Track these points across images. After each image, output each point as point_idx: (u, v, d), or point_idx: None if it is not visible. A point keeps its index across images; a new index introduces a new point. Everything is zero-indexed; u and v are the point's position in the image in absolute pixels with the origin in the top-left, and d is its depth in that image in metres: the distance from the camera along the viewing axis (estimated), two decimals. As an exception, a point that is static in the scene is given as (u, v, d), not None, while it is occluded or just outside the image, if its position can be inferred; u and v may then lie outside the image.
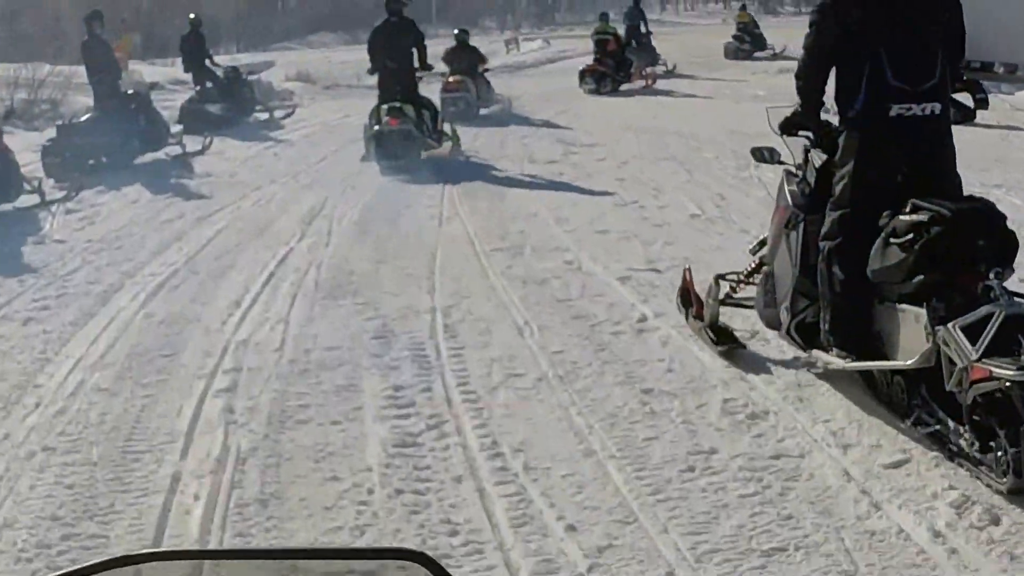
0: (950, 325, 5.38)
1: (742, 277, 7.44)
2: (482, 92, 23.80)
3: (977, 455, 5.38)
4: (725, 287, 7.50)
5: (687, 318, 7.79)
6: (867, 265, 6.00)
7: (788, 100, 7.01)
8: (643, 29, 32.49)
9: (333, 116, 25.14)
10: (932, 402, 5.71)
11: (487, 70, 25.04)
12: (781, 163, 7.11)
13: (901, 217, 5.86)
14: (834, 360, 6.31)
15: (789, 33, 31.20)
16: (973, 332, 5.26)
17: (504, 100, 24.46)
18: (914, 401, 5.85)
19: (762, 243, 7.34)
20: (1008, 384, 5.05)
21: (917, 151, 6.23)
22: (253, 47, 74.67)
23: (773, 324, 6.97)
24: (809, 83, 6.40)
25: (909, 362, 5.71)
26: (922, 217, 5.75)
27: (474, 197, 14.58)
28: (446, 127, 17.83)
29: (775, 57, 36.04)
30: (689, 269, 8.04)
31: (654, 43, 32.65)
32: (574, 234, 11.85)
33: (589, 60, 29.52)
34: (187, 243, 12.10)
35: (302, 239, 12.02)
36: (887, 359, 6.01)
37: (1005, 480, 5.18)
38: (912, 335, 5.73)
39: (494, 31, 76.90)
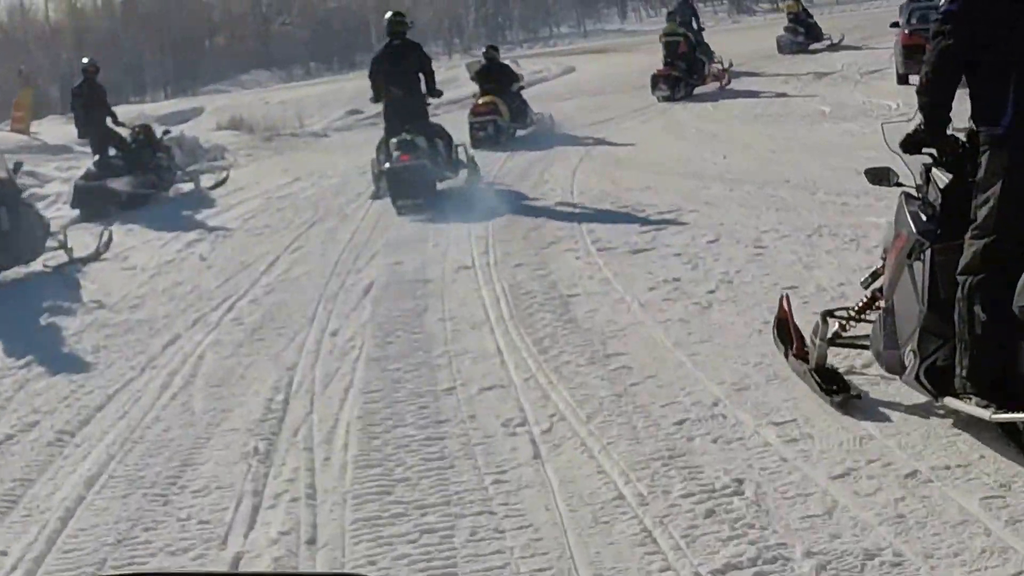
0: None
1: (853, 313, 6.37)
2: (516, 113, 21.25)
3: None
4: (834, 325, 6.34)
5: (786, 357, 6.57)
6: (1014, 301, 5.10)
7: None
8: (695, 26, 28.79)
9: (278, 181, 18.68)
10: None
11: (522, 88, 22.45)
12: (899, 184, 6.01)
13: None
14: (974, 409, 5.27)
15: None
16: None
17: (544, 119, 21.97)
18: None
19: (875, 275, 6.26)
20: None
21: None
22: (182, 91, 69.75)
23: (894, 368, 5.81)
24: (935, 98, 5.54)
25: None
26: None
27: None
28: (461, 152, 15.91)
29: (834, 48, 33.65)
30: (787, 297, 6.81)
31: (706, 40, 28.95)
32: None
33: (572, 78, 28.36)
34: None
35: (251, 528, 5.37)
36: None
37: None
38: None
39: (441, 55, 70.94)
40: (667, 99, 25.10)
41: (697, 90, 26.18)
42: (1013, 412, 5.09)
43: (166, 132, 19.19)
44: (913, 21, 23.79)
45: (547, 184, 15.17)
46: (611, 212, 12.44)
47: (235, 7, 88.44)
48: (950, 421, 5.58)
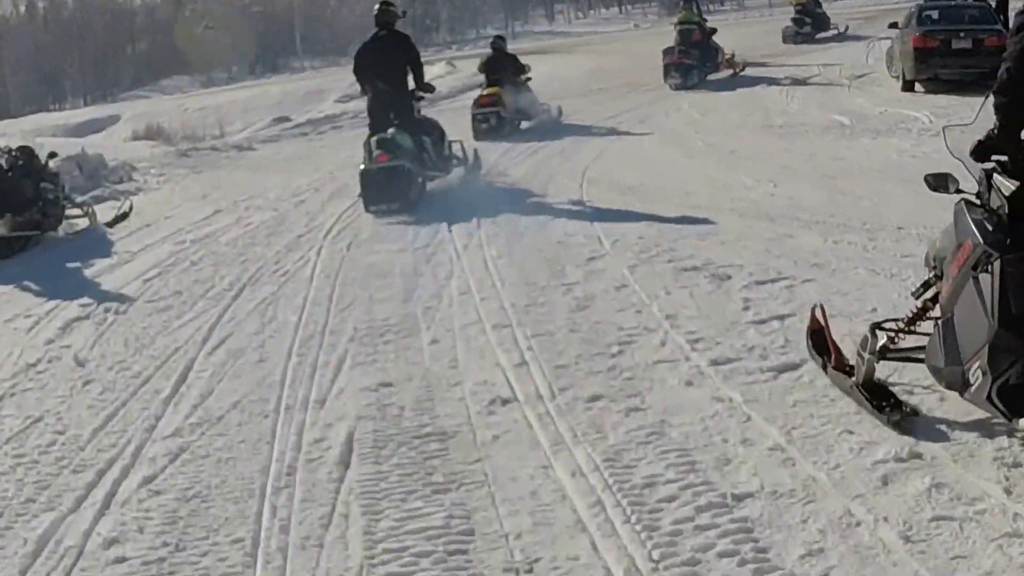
0: None
1: (902, 326, 5.73)
2: (523, 104, 20.33)
3: None
4: (882, 338, 5.68)
5: (824, 369, 6.01)
6: None
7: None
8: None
9: (195, 213, 14.27)
10: None
11: (529, 79, 21.20)
12: (959, 191, 5.41)
13: None
14: None
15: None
16: None
17: (551, 111, 20.91)
18: None
19: (925, 285, 5.72)
20: None
21: None
22: (103, 99, 66.05)
23: (955, 385, 5.14)
24: (1015, 98, 5.04)
25: None
26: None
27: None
28: (457, 148, 14.72)
29: (842, 39, 33.19)
30: (820, 306, 6.24)
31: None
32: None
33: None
34: None
35: None
36: None
37: None
38: None
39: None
40: (680, 87, 24.06)
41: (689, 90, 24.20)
42: None
43: (52, 155, 14.52)
44: (927, 22, 19.98)
45: (559, 228, 10.92)
46: (689, 287, 8.15)
47: (158, 12, 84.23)
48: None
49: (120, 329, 8.87)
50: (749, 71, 26.21)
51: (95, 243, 12.93)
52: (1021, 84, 5.06)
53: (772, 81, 23.87)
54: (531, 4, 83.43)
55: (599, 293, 8.08)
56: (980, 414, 5.10)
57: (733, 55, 26.46)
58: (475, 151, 15.00)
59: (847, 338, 6.15)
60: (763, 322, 7.02)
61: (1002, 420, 4.91)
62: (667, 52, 25.06)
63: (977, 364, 4.96)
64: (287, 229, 12.38)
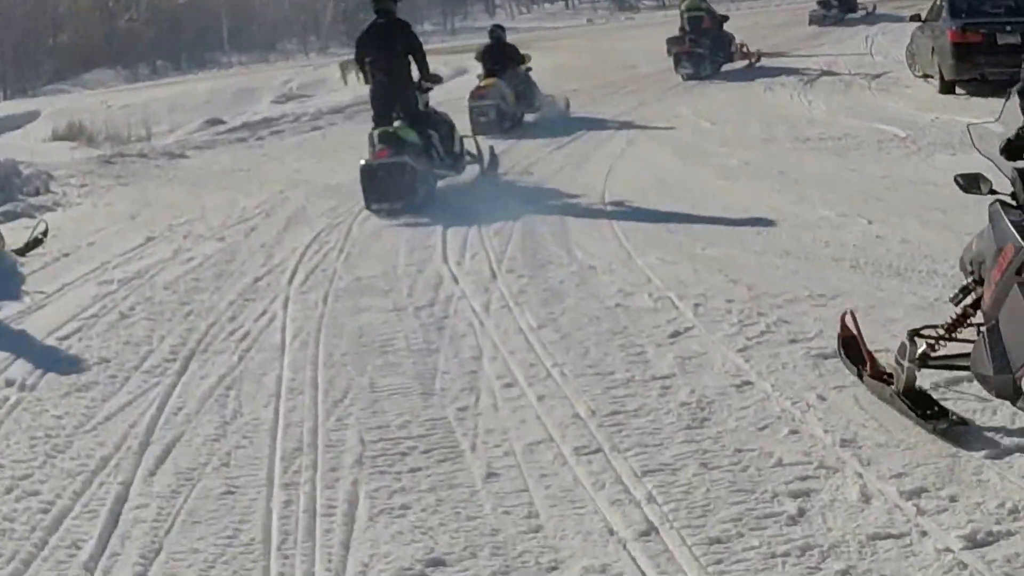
0: None
1: (942, 332, 5.42)
2: (524, 96, 19.14)
3: None
4: (921, 345, 5.37)
5: (860, 377, 5.60)
6: None
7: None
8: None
9: (123, 242, 11.62)
10: None
11: (529, 69, 19.75)
12: (993, 192, 5.20)
13: None
14: None
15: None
16: None
17: (557, 103, 19.71)
18: None
19: (964, 290, 5.43)
20: None
21: None
22: (22, 92, 62.93)
23: (1006, 393, 4.85)
24: None
25: None
26: None
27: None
28: (469, 144, 13.47)
29: (872, 20, 32.50)
30: (852, 313, 5.78)
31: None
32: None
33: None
34: None
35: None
36: None
37: None
38: None
39: (296, 54, 63.68)
40: (691, 77, 22.91)
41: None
42: None
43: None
44: (960, 14, 17.63)
45: (607, 284, 8.39)
46: (849, 387, 5.68)
47: (81, 1, 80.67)
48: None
49: (25, 419, 6.26)
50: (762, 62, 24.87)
51: (1, 277, 10.20)
52: None
53: (775, 77, 21.90)
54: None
55: (714, 396, 5.59)
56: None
57: (743, 45, 25.23)
58: (491, 149, 13.91)
59: None
60: (1004, 455, 4.56)
61: None
62: (674, 41, 23.96)
63: None
64: (239, 269, 9.77)
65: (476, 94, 18.34)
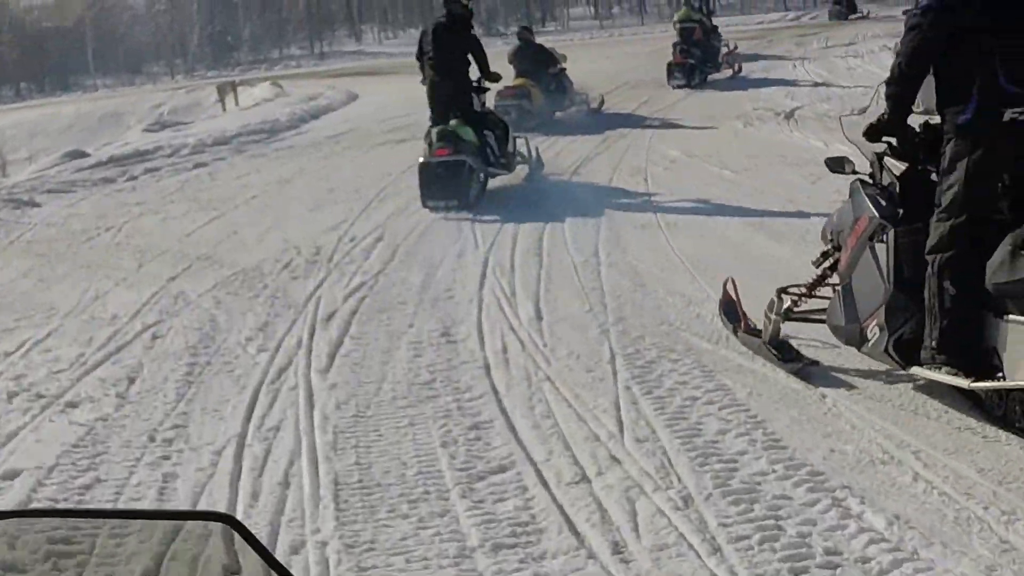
0: None
1: (804, 291, 6.27)
2: (554, 95, 19.22)
3: None
4: (786, 301, 6.22)
5: (735, 334, 6.53)
6: (981, 277, 5.05)
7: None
8: (706, 10, 26.94)
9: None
10: None
11: (563, 69, 19.84)
12: (855, 172, 5.88)
13: None
14: (946, 378, 5.20)
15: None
16: None
17: (588, 99, 19.78)
18: None
19: (824, 255, 6.19)
20: None
21: None
22: None
23: (853, 341, 5.75)
24: (904, 89, 5.40)
25: None
26: None
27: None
28: (522, 145, 13.61)
29: (864, 19, 40.57)
30: (732, 280, 6.67)
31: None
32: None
33: (369, 107, 24.99)
34: None
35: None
36: (1003, 376, 4.94)
37: None
38: None
39: (163, 77, 57.95)
40: (683, 87, 23.17)
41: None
42: (987, 380, 5.05)
43: None
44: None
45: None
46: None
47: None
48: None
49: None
50: (744, 71, 25.20)
51: None
52: (911, 77, 5.31)
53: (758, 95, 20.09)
54: (336, 23, 74.90)
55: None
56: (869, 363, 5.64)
57: (736, 47, 26.20)
58: (537, 149, 13.98)
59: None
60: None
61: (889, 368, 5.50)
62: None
63: (875, 322, 5.54)
64: (135, 434, 5.20)
65: (502, 93, 17.78)
